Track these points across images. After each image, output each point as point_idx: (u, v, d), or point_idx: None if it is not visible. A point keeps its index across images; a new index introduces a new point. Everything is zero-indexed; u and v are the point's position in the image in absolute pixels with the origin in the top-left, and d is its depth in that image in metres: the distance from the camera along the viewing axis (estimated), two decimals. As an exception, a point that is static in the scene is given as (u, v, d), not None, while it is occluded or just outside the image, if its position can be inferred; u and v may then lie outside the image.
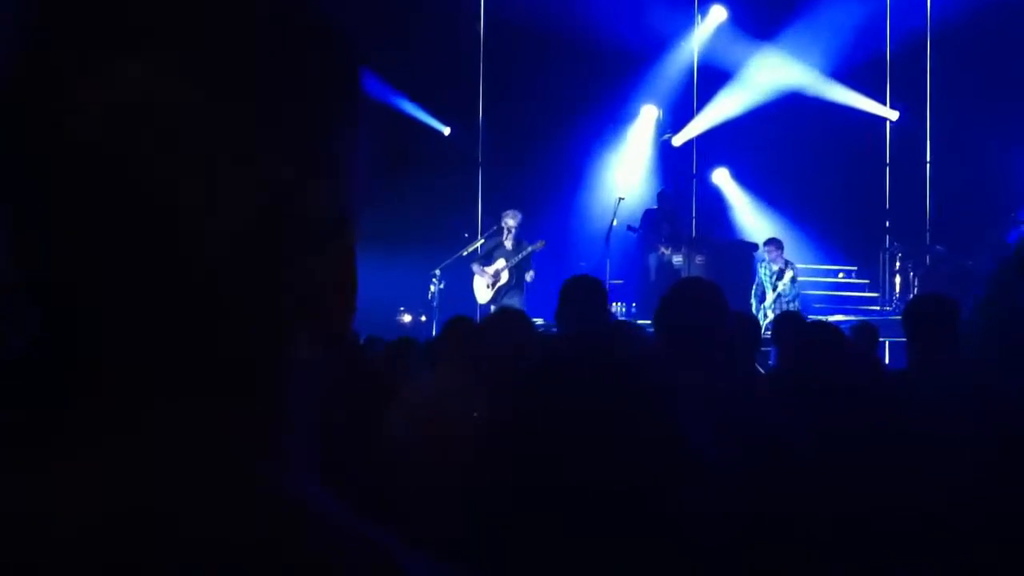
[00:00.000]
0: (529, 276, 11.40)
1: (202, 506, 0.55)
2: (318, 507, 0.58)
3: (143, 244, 0.55)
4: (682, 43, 15.86)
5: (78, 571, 0.52)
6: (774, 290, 11.95)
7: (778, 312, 11.35)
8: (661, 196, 14.18)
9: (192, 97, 0.56)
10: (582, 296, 4.39)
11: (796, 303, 11.96)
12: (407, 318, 13.18)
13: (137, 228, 0.55)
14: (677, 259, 13.00)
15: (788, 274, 11.94)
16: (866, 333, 7.03)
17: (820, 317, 12.31)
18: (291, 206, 0.59)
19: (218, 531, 0.54)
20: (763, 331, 8.47)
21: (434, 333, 10.37)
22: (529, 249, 11.38)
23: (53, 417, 0.57)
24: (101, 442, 0.56)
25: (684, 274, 12.24)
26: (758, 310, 11.84)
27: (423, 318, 12.81)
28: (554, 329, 4.93)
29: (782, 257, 12.19)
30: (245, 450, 0.59)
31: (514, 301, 11.24)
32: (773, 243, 12.36)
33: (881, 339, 8.19)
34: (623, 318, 11.00)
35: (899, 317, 10.98)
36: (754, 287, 12.25)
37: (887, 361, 9.41)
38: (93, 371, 0.57)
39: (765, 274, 12.13)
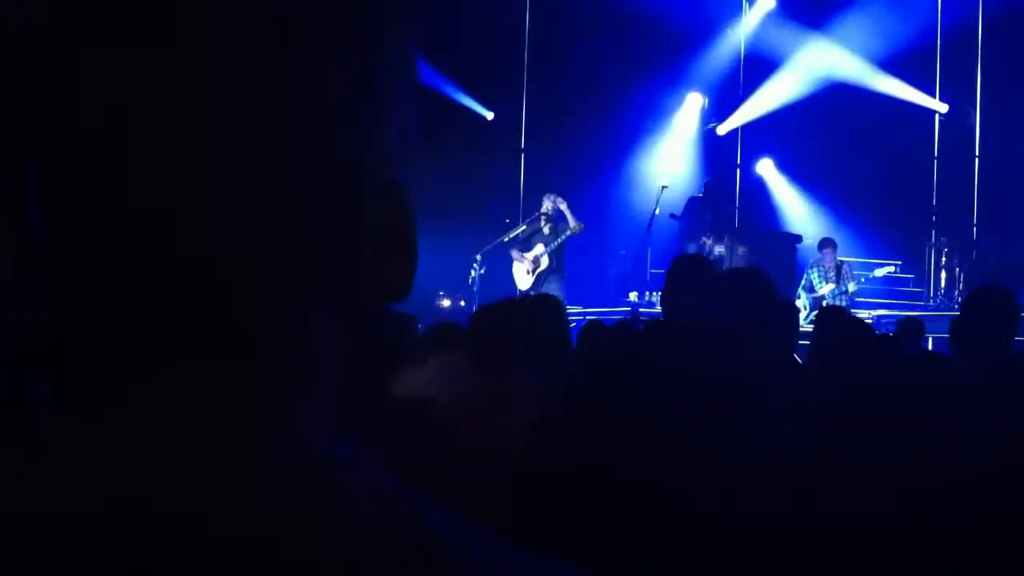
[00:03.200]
0: (573, 224, 11.30)
1: (213, 459, 0.55)
2: (336, 459, 0.58)
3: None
4: (729, 30, 15.75)
5: (87, 541, 0.52)
6: (829, 282, 11.85)
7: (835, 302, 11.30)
8: (707, 185, 14.10)
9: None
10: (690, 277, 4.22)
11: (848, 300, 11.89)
12: (447, 303, 13.21)
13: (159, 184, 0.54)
14: (719, 249, 12.92)
15: (851, 286, 11.84)
16: (912, 329, 6.96)
17: (863, 311, 12.23)
18: (345, 164, 0.58)
19: (229, 484, 0.54)
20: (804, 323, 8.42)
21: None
22: (565, 235, 11.35)
23: (67, 386, 0.57)
24: (113, 403, 0.56)
25: (726, 263, 12.18)
26: (809, 301, 11.76)
27: (463, 303, 12.83)
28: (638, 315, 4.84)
29: (835, 258, 12.12)
30: (257, 406, 0.58)
31: (554, 287, 11.23)
32: (830, 244, 12.23)
33: (927, 334, 8.09)
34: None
35: (943, 313, 10.88)
36: (802, 283, 12.16)
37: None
38: (101, 334, 0.56)
39: (815, 273, 12.02)
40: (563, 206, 11.51)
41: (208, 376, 0.57)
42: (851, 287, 11.79)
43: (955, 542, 2.22)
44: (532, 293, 11.32)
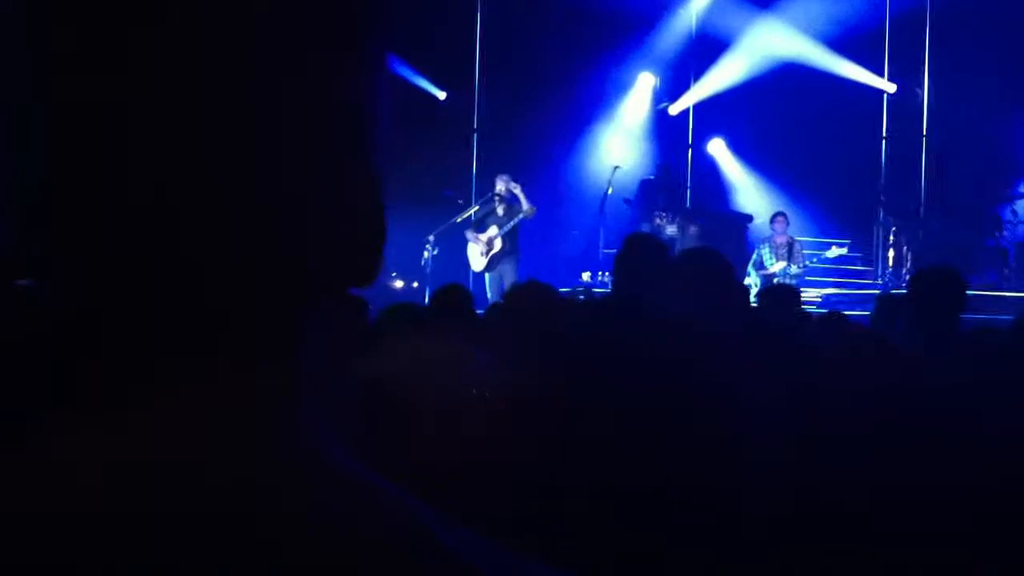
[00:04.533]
0: (526, 208, 11.33)
1: (210, 458, 0.55)
2: (332, 460, 0.58)
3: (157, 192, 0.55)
4: (680, 10, 15.79)
5: (87, 529, 0.52)
6: (780, 260, 11.90)
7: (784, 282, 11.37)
8: (661, 168, 14.16)
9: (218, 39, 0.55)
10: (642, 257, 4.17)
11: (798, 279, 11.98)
12: (399, 284, 13.17)
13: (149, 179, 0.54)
14: (671, 229, 12.98)
15: (797, 267, 11.88)
16: (833, 323, 6.91)
17: (813, 290, 12.36)
18: (323, 158, 0.59)
19: (224, 482, 0.54)
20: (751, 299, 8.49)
21: (426, 300, 10.37)
22: (519, 217, 11.36)
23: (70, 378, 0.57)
24: (113, 402, 0.56)
25: (679, 244, 12.24)
26: (759, 279, 11.83)
27: (415, 284, 12.79)
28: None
29: (787, 233, 12.17)
30: (257, 406, 0.58)
31: (508, 268, 11.24)
32: (782, 218, 12.27)
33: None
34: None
35: (892, 291, 11.02)
36: (752, 260, 12.23)
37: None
38: (104, 333, 0.56)
39: (766, 250, 12.08)
40: (517, 189, 11.51)
41: (208, 376, 0.57)
42: (794, 269, 11.85)
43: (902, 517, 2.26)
44: (485, 273, 11.33)
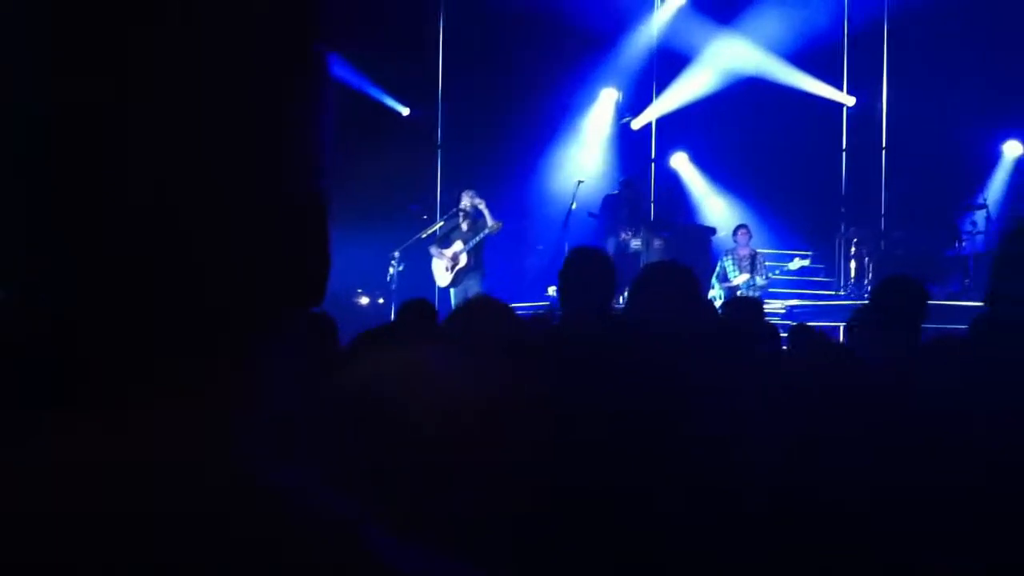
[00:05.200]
0: (491, 223, 11.33)
1: (155, 486, 0.55)
2: (280, 484, 0.58)
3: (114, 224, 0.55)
4: (642, 26, 15.90)
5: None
6: (743, 272, 11.96)
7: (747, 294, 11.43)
8: (624, 182, 14.24)
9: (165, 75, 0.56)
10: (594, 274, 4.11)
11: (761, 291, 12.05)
12: (364, 300, 13.14)
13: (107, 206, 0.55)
14: (635, 243, 13.03)
15: (761, 280, 11.94)
16: (803, 335, 6.87)
17: (776, 301, 12.45)
18: (266, 178, 0.59)
19: (169, 509, 0.54)
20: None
21: (392, 316, 10.35)
22: (484, 232, 11.36)
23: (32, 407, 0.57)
24: (63, 428, 0.56)
25: (643, 258, 12.29)
26: (723, 291, 11.89)
27: (381, 300, 12.77)
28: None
29: (750, 245, 12.25)
30: (208, 429, 0.58)
31: (473, 284, 11.24)
32: (744, 229, 12.36)
33: (836, 324, 8.26)
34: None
35: (853, 302, 11.12)
36: (716, 272, 12.30)
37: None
38: (71, 357, 0.57)
39: (729, 262, 12.15)
40: (481, 205, 11.52)
41: (158, 389, 0.57)
42: (759, 280, 11.93)
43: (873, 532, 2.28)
44: (451, 289, 11.32)
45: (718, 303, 10.89)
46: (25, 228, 0.56)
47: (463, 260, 11.35)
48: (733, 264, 12.13)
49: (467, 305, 4.62)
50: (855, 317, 5.53)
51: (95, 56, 0.55)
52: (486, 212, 11.46)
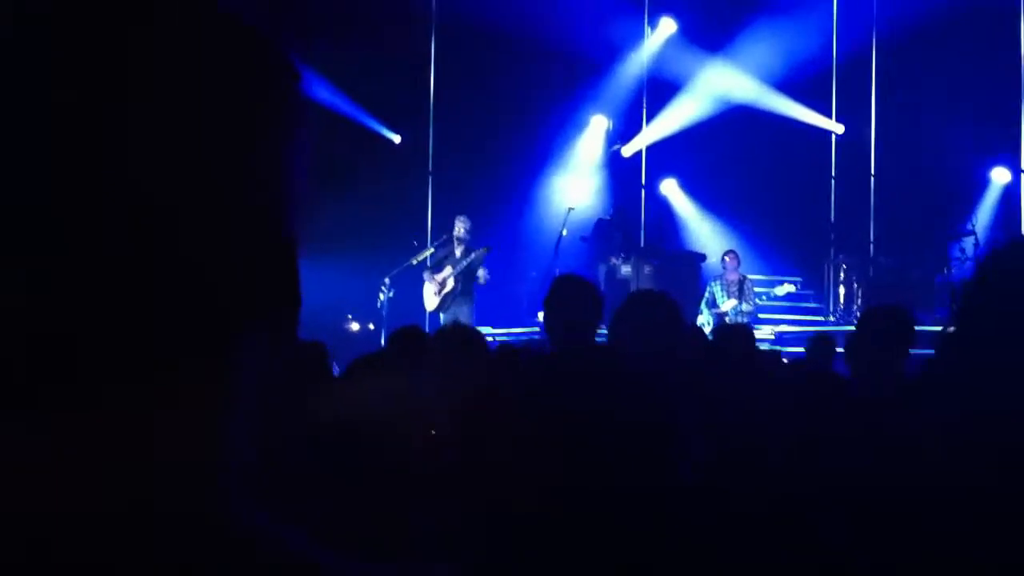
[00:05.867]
0: (482, 275, 11.35)
1: (118, 532, 0.56)
2: (250, 531, 0.59)
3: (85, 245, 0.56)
4: (632, 54, 15.99)
5: None
6: (732, 298, 11.97)
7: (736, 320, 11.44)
8: (618, 209, 14.29)
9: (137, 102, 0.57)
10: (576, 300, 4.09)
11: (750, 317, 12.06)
12: (355, 326, 13.13)
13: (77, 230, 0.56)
14: (626, 269, 13.07)
15: (748, 305, 11.96)
16: (824, 344, 6.99)
17: (766, 327, 12.47)
18: (230, 208, 0.60)
19: (121, 542, 0.55)
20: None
21: (383, 342, 10.35)
22: (472, 257, 11.36)
23: None
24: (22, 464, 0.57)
25: (633, 284, 12.32)
26: (712, 317, 11.91)
27: (371, 326, 12.76)
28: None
29: (738, 272, 12.27)
30: (179, 472, 0.59)
31: (463, 309, 11.24)
32: (733, 255, 12.39)
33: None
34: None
35: (842, 327, 11.14)
36: (704, 298, 12.32)
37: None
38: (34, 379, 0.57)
39: (718, 287, 12.17)
40: (465, 227, 11.52)
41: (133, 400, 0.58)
42: (745, 307, 11.93)
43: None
44: (440, 314, 11.31)
45: (707, 329, 10.92)
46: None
47: (450, 285, 11.35)
48: (721, 290, 12.15)
49: (440, 335, 4.62)
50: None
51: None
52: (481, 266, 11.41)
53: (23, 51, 0.57)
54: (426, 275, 11.54)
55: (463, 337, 4.18)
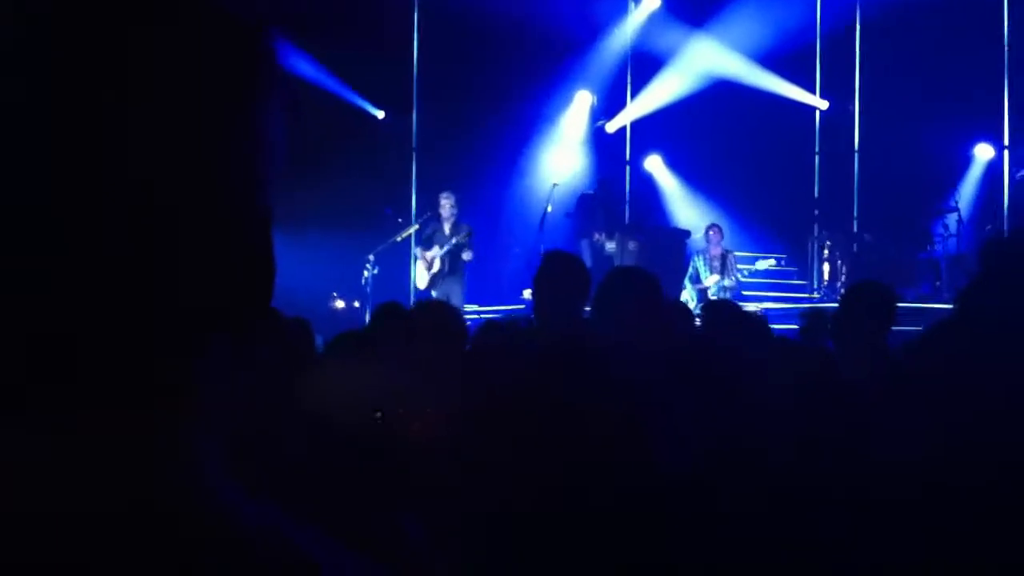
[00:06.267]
0: (467, 255, 11.35)
1: (103, 515, 0.55)
2: (227, 508, 0.59)
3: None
4: (616, 29, 15.94)
5: None
6: (714, 273, 12.02)
7: (719, 295, 11.49)
8: (600, 183, 14.28)
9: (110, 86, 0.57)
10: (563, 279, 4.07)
11: (733, 292, 12.11)
12: (340, 304, 13.11)
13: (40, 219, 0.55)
14: (610, 245, 13.07)
15: (730, 281, 12.00)
16: (818, 319, 6.81)
17: (750, 304, 12.51)
18: (199, 189, 0.59)
19: (120, 541, 0.55)
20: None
21: (367, 319, 10.34)
22: (456, 239, 11.33)
23: None
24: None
25: (617, 261, 12.32)
26: (695, 293, 11.95)
27: (356, 304, 12.75)
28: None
29: (721, 244, 12.32)
30: (155, 454, 0.59)
31: (453, 288, 11.23)
32: (716, 229, 12.45)
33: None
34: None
35: (826, 304, 11.18)
36: (688, 273, 12.36)
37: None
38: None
39: (701, 262, 12.21)
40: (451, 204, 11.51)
41: (97, 403, 0.58)
42: (727, 282, 11.98)
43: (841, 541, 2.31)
44: (431, 291, 11.31)
45: (692, 304, 10.98)
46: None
47: (437, 265, 11.34)
48: (704, 264, 12.19)
49: (415, 313, 4.61)
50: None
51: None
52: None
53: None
54: (418, 251, 11.53)
55: (437, 320, 4.16)
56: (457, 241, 11.29)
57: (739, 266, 12.56)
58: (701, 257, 12.28)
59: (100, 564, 0.54)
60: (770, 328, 4.40)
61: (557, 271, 4.09)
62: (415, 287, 11.66)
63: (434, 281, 11.32)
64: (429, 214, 11.78)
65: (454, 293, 11.14)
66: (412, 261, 11.80)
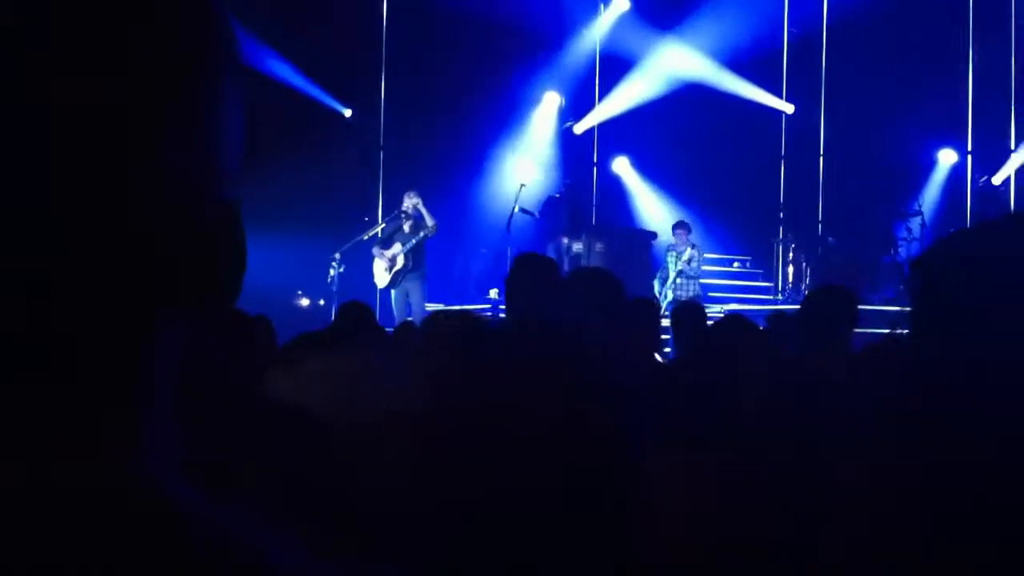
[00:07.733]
0: (429, 225, 11.35)
1: (40, 503, 0.54)
2: (172, 498, 0.57)
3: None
4: (584, 31, 15.97)
5: None
6: (676, 269, 12.16)
7: (680, 291, 11.59)
8: (568, 187, 14.33)
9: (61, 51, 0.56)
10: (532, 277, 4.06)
11: (697, 285, 12.20)
12: (305, 302, 13.06)
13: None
14: (577, 246, 13.11)
15: (688, 251, 12.16)
16: (783, 324, 6.89)
17: (715, 306, 12.58)
18: (157, 171, 0.58)
19: (56, 532, 0.54)
20: (663, 311, 8.62)
21: (333, 317, 10.30)
22: (421, 235, 11.35)
23: None
24: None
25: (584, 261, 12.36)
26: (661, 292, 12.04)
27: (321, 302, 12.70)
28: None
29: (688, 240, 12.45)
30: (98, 438, 0.57)
31: (413, 285, 11.23)
32: (683, 226, 12.61)
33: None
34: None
35: (791, 306, 11.27)
36: (659, 271, 12.46)
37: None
38: None
39: (672, 259, 12.33)
40: (420, 206, 11.53)
41: (36, 395, 0.56)
42: (680, 263, 12.11)
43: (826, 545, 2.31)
44: (391, 290, 11.30)
45: (665, 302, 11.09)
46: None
47: (400, 262, 11.33)
48: (675, 261, 12.31)
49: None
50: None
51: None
52: (425, 213, 11.46)
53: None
54: (375, 250, 11.51)
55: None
56: (420, 239, 11.31)
57: (706, 268, 12.67)
58: (673, 254, 12.39)
59: (34, 548, 0.53)
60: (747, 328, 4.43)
61: (528, 274, 4.08)
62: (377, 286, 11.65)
63: (396, 279, 11.32)
64: (396, 212, 11.78)
65: (415, 291, 11.15)
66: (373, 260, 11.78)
